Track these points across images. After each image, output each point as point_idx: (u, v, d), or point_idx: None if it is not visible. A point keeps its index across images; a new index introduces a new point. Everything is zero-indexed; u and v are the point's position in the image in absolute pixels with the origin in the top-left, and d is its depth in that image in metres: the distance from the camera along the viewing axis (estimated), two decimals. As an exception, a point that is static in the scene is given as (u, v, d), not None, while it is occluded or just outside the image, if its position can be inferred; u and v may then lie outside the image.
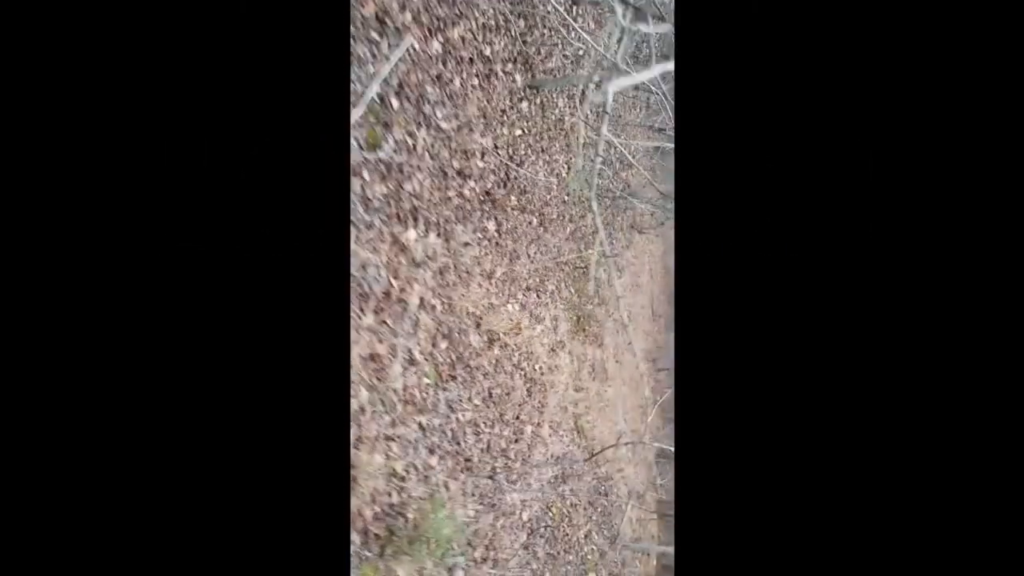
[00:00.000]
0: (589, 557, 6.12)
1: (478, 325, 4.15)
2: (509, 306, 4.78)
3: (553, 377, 5.54)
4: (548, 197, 5.80)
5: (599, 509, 6.77)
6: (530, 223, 5.32)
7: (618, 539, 7.06)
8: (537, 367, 5.20)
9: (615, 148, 7.86)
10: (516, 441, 4.62)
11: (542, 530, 5.09)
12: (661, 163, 9.95)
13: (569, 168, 6.27)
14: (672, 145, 6.96)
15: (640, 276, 10.40)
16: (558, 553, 5.43)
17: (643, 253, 10.68)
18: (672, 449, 9.84)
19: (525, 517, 4.78)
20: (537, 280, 5.44)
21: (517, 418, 4.65)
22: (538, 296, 5.44)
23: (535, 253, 5.42)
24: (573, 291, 6.59)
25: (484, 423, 4.22)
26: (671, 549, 8.26)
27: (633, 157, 8.47)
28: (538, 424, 5.15)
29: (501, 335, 4.51)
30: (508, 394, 4.47)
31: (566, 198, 6.25)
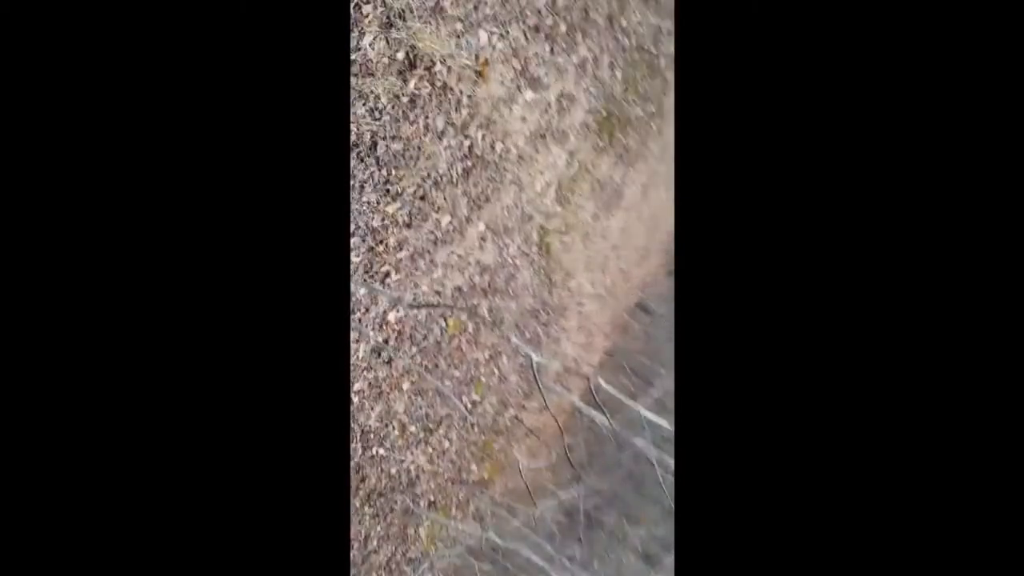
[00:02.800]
0: (482, 379, 4.98)
1: (388, 22, 2.30)
2: (482, 33, 2.88)
3: (520, 170, 3.79)
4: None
5: (526, 334, 5.52)
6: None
7: (539, 376, 5.93)
8: (497, 145, 3.43)
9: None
10: (408, 226, 3.07)
11: (417, 336, 3.80)
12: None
13: None
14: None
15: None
16: (436, 365, 4.24)
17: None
18: (652, 306, 8.42)
19: (392, 319, 3.44)
20: (561, 25, 3.42)
21: (421, 197, 3.03)
22: (551, 50, 3.46)
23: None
24: (620, 77, 4.52)
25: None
26: (600, 417, 7.26)
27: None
28: (466, 218, 3.56)
29: (439, 63, 2.68)
30: (415, 157, 2.80)
31: (673, -68, 3.88)
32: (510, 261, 4.39)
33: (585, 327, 6.84)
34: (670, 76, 5.47)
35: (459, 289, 3.93)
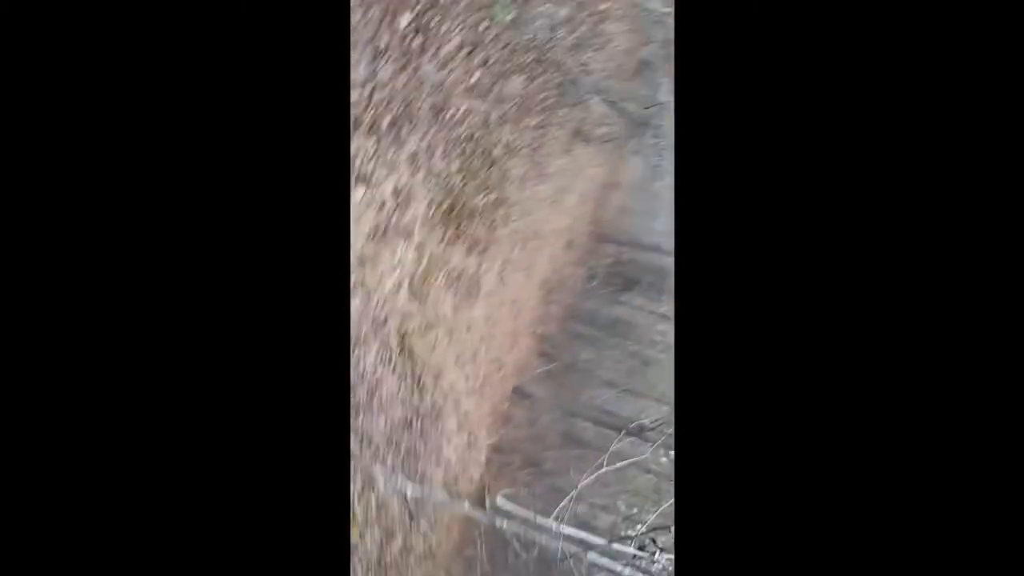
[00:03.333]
0: (358, 514, 4.30)
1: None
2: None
3: (364, 271, 3.42)
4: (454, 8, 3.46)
5: (401, 450, 4.94)
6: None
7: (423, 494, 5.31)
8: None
9: (584, -1, 5.45)
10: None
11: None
12: (658, 49, 7.56)
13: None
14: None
15: (567, 195, 8.28)
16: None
17: (581, 169, 8.51)
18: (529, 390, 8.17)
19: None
20: (384, 117, 3.19)
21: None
22: (377, 143, 3.21)
23: (406, 79, 3.15)
24: (456, 168, 4.39)
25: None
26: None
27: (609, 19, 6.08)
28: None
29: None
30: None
31: (482, 27, 3.92)
32: (369, 372, 3.91)
33: (466, 426, 6.38)
34: (509, 163, 5.49)
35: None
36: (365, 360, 3.79)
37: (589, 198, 9.86)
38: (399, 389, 4.57)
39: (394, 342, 4.26)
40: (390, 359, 4.23)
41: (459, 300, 5.41)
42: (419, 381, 4.98)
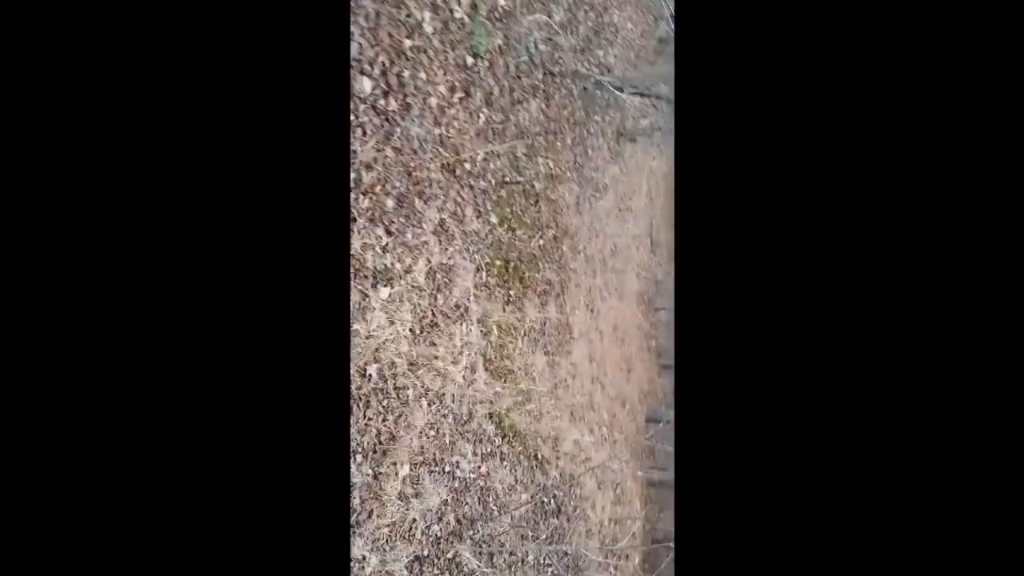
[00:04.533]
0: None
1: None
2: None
3: (423, 377, 2.83)
4: (426, 54, 2.92)
5: (543, 553, 4.25)
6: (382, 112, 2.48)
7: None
8: (370, 370, 2.49)
9: (573, -8, 4.78)
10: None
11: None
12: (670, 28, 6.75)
13: (474, 6, 3.33)
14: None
15: (632, 198, 7.46)
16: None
17: (638, 168, 7.68)
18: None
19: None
20: (386, 200, 2.66)
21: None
22: (389, 230, 2.67)
23: (396, 147, 2.62)
24: (496, 220, 3.80)
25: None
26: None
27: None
28: (376, 474, 2.51)
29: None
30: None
31: (469, 61, 3.34)
32: (470, 477, 3.30)
33: (607, 482, 5.60)
34: (557, 192, 4.85)
35: (418, 559, 2.78)
36: (462, 468, 3.18)
37: (657, 191, 8.97)
38: (516, 476, 3.92)
39: (491, 430, 3.64)
40: (492, 451, 3.60)
41: (552, 354, 4.74)
42: (536, 456, 4.31)
